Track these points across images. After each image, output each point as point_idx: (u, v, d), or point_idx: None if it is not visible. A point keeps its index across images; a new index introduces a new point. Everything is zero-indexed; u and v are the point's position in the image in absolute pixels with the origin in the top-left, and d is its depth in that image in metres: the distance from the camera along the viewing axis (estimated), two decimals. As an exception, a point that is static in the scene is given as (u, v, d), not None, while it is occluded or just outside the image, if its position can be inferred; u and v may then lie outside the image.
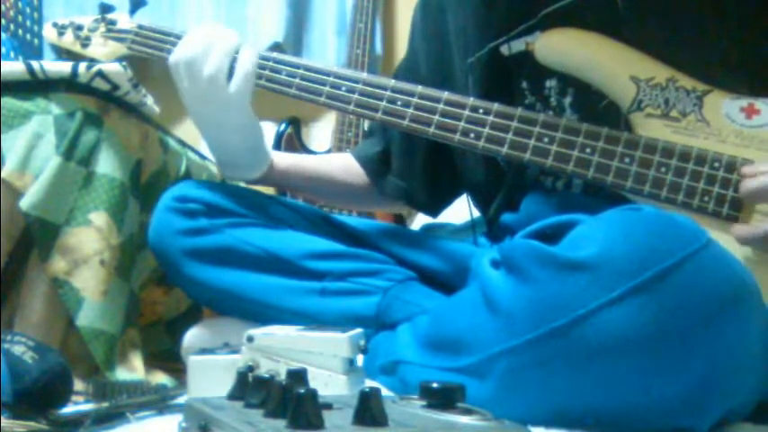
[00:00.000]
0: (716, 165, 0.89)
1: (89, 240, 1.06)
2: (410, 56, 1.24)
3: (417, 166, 1.22)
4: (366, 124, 2.33)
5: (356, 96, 1.05)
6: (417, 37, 1.22)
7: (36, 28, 2.06)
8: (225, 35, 1.07)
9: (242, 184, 1.22)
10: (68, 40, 1.23)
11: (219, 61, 1.05)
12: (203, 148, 1.36)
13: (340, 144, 2.30)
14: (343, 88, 1.06)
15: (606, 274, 0.72)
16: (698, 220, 0.79)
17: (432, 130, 1.01)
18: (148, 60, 1.18)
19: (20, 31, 1.98)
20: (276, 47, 2.35)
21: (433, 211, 1.29)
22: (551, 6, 0.99)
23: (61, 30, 1.23)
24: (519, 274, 0.78)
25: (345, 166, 1.28)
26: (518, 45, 1.03)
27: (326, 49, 2.45)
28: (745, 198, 0.87)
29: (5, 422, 0.72)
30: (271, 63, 1.09)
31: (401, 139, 1.23)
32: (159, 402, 0.85)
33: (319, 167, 1.26)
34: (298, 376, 0.55)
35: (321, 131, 2.45)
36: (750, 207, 0.88)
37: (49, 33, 1.25)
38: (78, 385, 0.88)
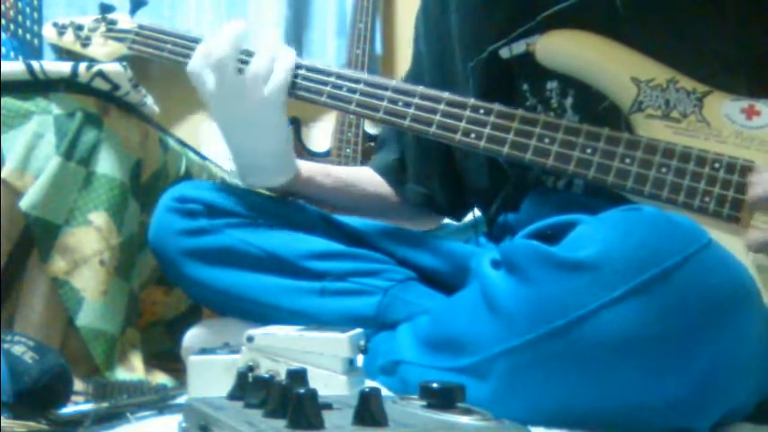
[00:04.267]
0: (716, 165, 0.89)
1: (89, 240, 1.06)
2: (415, 61, 1.24)
3: (434, 171, 1.22)
4: (366, 125, 2.34)
5: (357, 96, 1.05)
6: (420, 41, 1.22)
7: (36, 28, 2.06)
8: (267, 35, 1.07)
9: (241, 184, 1.22)
10: (68, 40, 1.23)
11: (265, 61, 1.04)
12: (203, 148, 1.36)
13: (340, 144, 2.30)
14: (344, 88, 1.05)
15: (606, 274, 0.72)
16: (698, 220, 0.79)
17: (432, 130, 1.01)
18: (148, 60, 1.17)
19: (20, 31, 1.98)
20: (276, 47, 2.35)
21: (457, 215, 1.29)
22: (551, 8, 0.99)
23: (61, 30, 1.23)
24: (519, 274, 0.78)
25: (370, 176, 1.26)
26: (518, 47, 1.03)
27: (326, 49, 2.45)
28: (752, 206, 0.87)
29: (5, 422, 0.72)
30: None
31: (415, 146, 1.22)
32: (159, 402, 0.85)
33: (347, 177, 1.23)
34: (298, 376, 0.55)
35: (321, 131, 2.45)
36: (751, 209, 0.87)
37: (49, 33, 1.25)
38: (78, 385, 0.88)
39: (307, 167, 1.17)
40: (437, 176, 1.22)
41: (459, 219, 1.31)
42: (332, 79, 1.06)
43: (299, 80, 1.07)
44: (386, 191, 1.26)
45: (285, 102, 1.06)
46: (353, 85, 1.05)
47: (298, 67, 1.07)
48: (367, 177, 1.26)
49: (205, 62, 1.04)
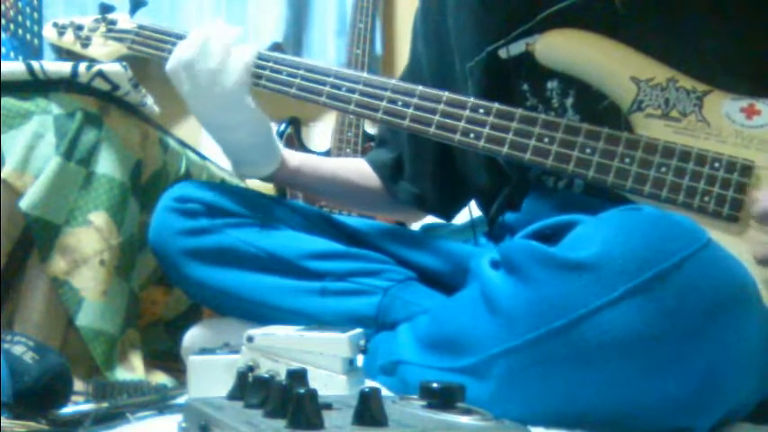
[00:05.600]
0: (716, 165, 0.89)
1: (89, 240, 1.06)
2: (413, 61, 1.24)
3: (428, 171, 1.23)
4: (366, 125, 2.34)
5: (356, 96, 1.05)
6: (419, 41, 1.22)
7: (36, 28, 2.06)
8: (223, 30, 1.07)
9: (241, 184, 1.22)
10: (68, 40, 1.23)
11: (219, 56, 1.05)
12: (203, 148, 1.36)
13: (340, 144, 2.30)
14: (344, 88, 1.05)
15: (606, 274, 0.72)
16: (698, 220, 0.79)
17: (432, 130, 1.01)
18: (148, 60, 1.17)
19: (20, 31, 1.98)
20: (276, 47, 2.36)
21: (446, 215, 1.30)
22: (550, 8, 0.99)
23: (61, 30, 1.23)
24: (519, 275, 0.78)
25: (360, 169, 1.27)
26: (518, 47, 1.03)
27: (326, 49, 2.45)
28: (760, 220, 0.86)
29: (5, 422, 0.72)
30: (271, 63, 1.08)
31: (411, 145, 1.23)
32: (159, 402, 0.85)
33: (334, 169, 1.25)
34: (298, 376, 0.54)
35: (321, 131, 2.45)
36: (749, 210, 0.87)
37: (49, 33, 1.25)
38: (78, 385, 0.88)
39: (295, 158, 1.19)
40: (430, 178, 1.23)
41: (448, 218, 1.31)
42: (331, 79, 1.06)
43: (297, 80, 1.07)
44: (373, 184, 1.27)
45: (248, 97, 1.07)
46: (353, 85, 1.05)
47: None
48: (355, 170, 1.27)
49: (177, 65, 1.06)
